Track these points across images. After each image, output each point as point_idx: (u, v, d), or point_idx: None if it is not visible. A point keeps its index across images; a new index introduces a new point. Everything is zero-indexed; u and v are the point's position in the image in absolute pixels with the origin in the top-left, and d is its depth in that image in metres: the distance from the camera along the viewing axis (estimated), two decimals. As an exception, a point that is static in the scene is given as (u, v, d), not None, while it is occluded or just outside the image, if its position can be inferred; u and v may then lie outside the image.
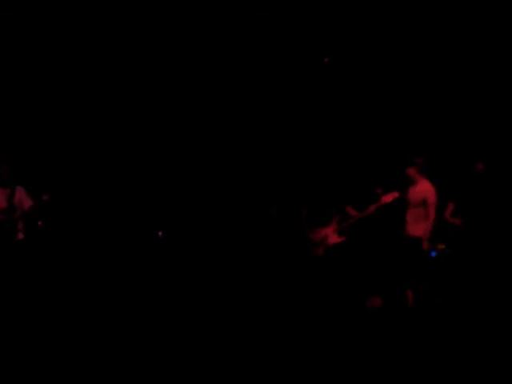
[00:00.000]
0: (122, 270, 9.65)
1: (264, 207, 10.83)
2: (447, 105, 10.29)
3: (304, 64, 10.81)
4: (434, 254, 9.06)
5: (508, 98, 9.99)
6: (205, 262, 10.05)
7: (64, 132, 10.70)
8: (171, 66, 10.90)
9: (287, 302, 8.63)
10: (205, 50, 10.80)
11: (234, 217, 10.84)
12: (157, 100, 11.06)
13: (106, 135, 10.86)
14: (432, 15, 10.10)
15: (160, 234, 10.27)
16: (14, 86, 10.59)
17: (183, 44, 10.78)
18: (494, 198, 8.94)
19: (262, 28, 10.48)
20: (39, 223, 9.53)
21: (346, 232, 9.52)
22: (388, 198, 8.76)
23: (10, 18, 10.28)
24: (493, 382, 5.94)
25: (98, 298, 8.59)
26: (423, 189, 8.56)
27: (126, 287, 9.05)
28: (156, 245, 10.43)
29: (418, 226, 8.52)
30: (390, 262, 8.72)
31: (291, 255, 9.91)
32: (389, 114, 10.53)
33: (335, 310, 8.22)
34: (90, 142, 10.76)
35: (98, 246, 10.03)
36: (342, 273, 9.18)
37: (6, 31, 10.34)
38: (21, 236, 8.67)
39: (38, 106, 10.70)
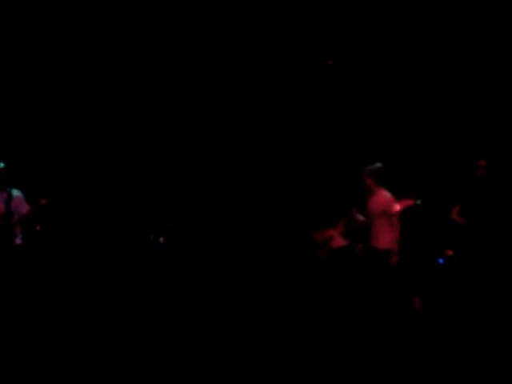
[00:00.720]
0: (122, 275, 9.57)
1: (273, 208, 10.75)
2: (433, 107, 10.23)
3: (304, 64, 10.72)
4: (441, 260, 8.93)
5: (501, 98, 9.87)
6: (206, 265, 9.99)
7: (61, 135, 10.64)
8: (171, 66, 10.81)
9: (288, 303, 8.53)
10: (205, 49, 10.72)
11: (237, 217, 10.77)
12: (157, 101, 10.98)
13: (104, 139, 10.79)
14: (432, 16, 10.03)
15: (161, 239, 10.17)
16: (13, 86, 10.52)
17: (183, 43, 10.69)
18: (498, 203, 8.84)
19: (262, 28, 10.38)
20: (37, 228, 9.42)
21: (352, 235, 9.41)
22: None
23: (10, 17, 10.27)
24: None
25: (97, 304, 8.49)
26: (382, 199, 8.40)
27: (125, 292, 8.97)
28: (156, 250, 10.35)
29: (384, 237, 8.32)
30: (394, 267, 8.58)
31: (294, 255, 9.84)
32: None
33: (337, 313, 8.13)
34: (87, 146, 10.68)
35: (97, 250, 9.95)
36: (344, 276, 9.08)
37: (6, 31, 10.30)
38: (18, 241, 8.63)
39: (38, 107, 10.63)
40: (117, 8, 10.35)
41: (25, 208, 8.60)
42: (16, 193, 8.64)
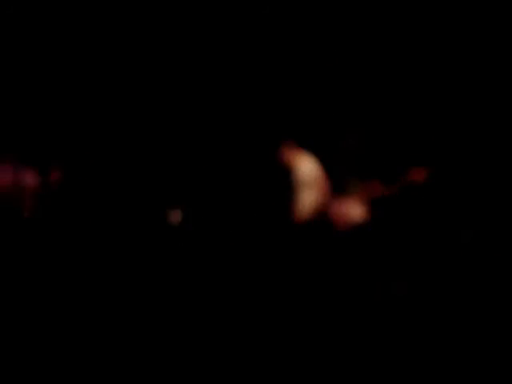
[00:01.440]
0: (130, 260, 9.50)
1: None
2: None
3: (305, 64, 10.73)
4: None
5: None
6: (208, 255, 9.92)
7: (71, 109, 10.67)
8: (171, 65, 10.81)
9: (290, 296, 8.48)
10: (205, 47, 10.73)
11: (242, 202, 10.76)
12: (156, 100, 11.03)
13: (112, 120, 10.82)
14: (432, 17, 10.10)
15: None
16: (14, 86, 10.52)
17: (183, 42, 10.71)
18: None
19: (262, 26, 10.45)
20: (46, 203, 9.36)
21: None
22: (416, 174, 8.45)
23: (10, 17, 10.38)
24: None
25: (103, 294, 8.42)
26: (309, 167, 8.87)
27: (130, 283, 8.90)
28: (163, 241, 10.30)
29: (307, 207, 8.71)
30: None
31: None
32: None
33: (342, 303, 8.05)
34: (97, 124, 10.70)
35: (106, 231, 9.89)
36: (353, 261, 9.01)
37: (6, 31, 10.33)
38: (27, 215, 8.60)
39: (39, 106, 10.67)
40: (117, 8, 10.44)
41: (34, 181, 8.62)
42: (24, 166, 8.67)
